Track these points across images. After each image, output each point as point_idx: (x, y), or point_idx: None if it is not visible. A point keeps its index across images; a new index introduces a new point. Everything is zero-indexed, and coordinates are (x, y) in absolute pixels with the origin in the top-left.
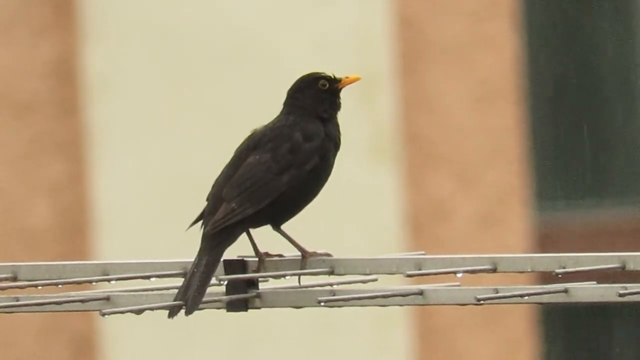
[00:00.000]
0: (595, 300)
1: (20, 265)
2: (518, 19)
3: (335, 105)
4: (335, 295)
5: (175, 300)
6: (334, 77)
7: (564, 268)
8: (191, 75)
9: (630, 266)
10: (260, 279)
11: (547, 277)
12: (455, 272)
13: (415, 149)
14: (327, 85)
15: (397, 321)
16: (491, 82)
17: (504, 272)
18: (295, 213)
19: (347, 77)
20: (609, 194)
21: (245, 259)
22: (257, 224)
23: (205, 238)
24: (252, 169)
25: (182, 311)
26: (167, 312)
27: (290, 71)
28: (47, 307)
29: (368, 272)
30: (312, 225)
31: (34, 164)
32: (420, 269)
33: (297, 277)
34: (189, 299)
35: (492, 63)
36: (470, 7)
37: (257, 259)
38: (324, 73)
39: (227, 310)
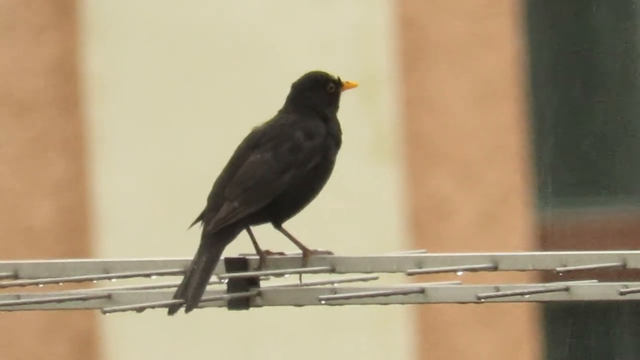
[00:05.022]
0: (596, 298)
1: (21, 263)
2: (519, 17)
3: (336, 107)
4: (336, 293)
5: (174, 297)
6: (339, 80)
7: (565, 266)
8: (192, 75)
9: (632, 264)
10: (261, 277)
11: (548, 276)
12: (456, 271)
13: (417, 147)
14: (334, 89)
15: (398, 319)
16: (493, 81)
17: (505, 270)
18: (297, 211)
19: (347, 82)
20: (610, 192)
21: (246, 257)
22: (259, 222)
23: (205, 236)
24: (254, 168)
25: (182, 309)
26: (167, 309)
27: (291, 71)
28: (49, 305)
29: (369, 270)
30: (313, 224)
31: (35, 163)
32: (421, 267)
33: (298, 275)
34: (189, 296)
35: (494, 62)
36: (471, 5)
37: (258, 257)
38: (331, 75)
39: (229, 309)
